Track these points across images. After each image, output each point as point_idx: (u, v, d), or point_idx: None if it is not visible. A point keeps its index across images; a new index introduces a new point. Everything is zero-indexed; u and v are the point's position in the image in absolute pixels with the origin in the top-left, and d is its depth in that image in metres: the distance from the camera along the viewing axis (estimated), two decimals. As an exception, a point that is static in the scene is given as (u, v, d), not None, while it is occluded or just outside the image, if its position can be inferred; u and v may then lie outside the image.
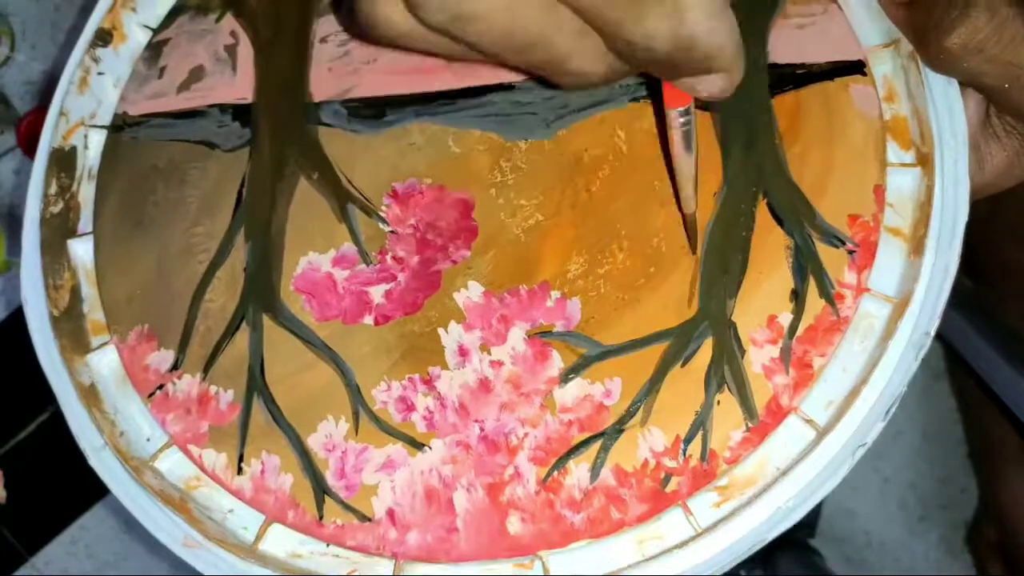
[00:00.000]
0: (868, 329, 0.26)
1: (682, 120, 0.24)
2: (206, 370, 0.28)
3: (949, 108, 0.27)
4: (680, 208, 0.27)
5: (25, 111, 0.57)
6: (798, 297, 0.26)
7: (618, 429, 0.26)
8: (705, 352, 0.26)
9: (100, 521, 0.59)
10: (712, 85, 0.21)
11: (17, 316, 0.59)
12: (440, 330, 0.27)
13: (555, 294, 0.27)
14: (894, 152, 0.28)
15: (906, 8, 0.27)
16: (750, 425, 0.25)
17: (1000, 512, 0.48)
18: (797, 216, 0.27)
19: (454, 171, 0.29)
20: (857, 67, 0.29)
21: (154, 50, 0.33)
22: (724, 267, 0.27)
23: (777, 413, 0.25)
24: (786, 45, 0.29)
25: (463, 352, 0.27)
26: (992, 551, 0.53)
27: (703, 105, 0.29)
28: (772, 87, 0.29)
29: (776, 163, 0.28)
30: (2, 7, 0.60)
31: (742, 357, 0.26)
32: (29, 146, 0.56)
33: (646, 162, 0.28)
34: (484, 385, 0.27)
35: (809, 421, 0.25)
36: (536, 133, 0.29)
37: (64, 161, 0.32)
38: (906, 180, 0.27)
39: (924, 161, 0.27)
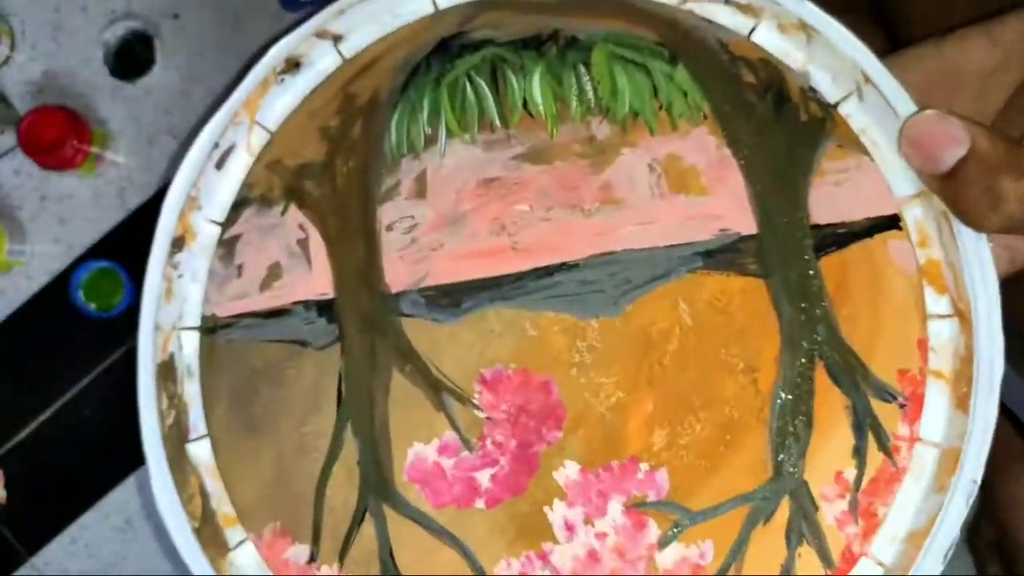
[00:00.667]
0: (920, 470, 0.30)
1: None
2: (342, 560, 0.32)
3: (980, 261, 0.30)
4: None
5: (25, 111, 0.59)
6: (859, 453, 0.30)
7: (716, 587, 0.30)
8: (783, 510, 0.30)
9: (100, 521, 0.61)
10: None
11: (17, 316, 0.61)
12: (546, 508, 0.31)
13: (644, 467, 0.31)
14: (931, 298, 0.32)
15: (941, 182, 0.29)
16: (828, 572, 0.30)
17: (999, 512, 0.52)
18: (853, 377, 0.31)
19: (535, 354, 0.33)
20: (893, 222, 0.31)
21: (227, 247, 0.35)
22: (792, 431, 0.31)
23: (851, 559, 0.30)
24: (825, 204, 0.32)
25: (569, 527, 0.31)
26: (991, 551, 0.58)
27: (756, 272, 0.32)
28: (817, 249, 0.31)
29: (829, 326, 0.31)
30: (2, 7, 0.62)
31: (816, 512, 0.30)
32: (29, 146, 0.57)
33: (710, 332, 0.32)
34: (593, 556, 0.31)
35: (879, 563, 0.30)
36: (606, 311, 0.32)
37: (167, 371, 0.35)
38: (944, 328, 0.31)
39: (962, 316, 0.30)
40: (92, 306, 0.59)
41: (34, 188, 0.61)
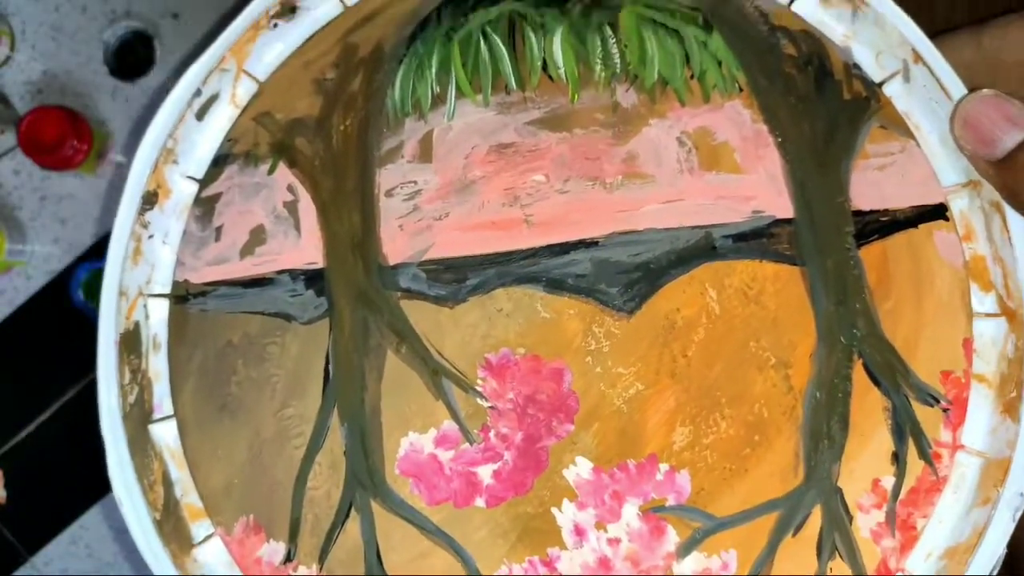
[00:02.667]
0: (960, 479, 0.28)
1: None
2: (322, 560, 0.29)
3: (1033, 257, 0.28)
4: None
5: (25, 111, 0.59)
6: (899, 460, 0.28)
7: (738, 601, 0.27)
8: (815, 519, 0.28)
9: (100, 521, 0.61)
10: None
11: (17, 316, 0.61)
12: (554, 509, 0.29)
13: (663, 467, 0.29)
14: (976, 297, 0.29)
15: (996, 168, 0.27)
16: (862, 590, 0.27)
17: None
18: (894, 376, 0.28)
19: (546, 338, 0.30)
20: (939, 211, 0.30)
21: (205, 207, 0.32)
22: (826, 432, 0.28)
23: (886, 575, 0.27)
24: (868, 190, 0.30)
25: (579, 531, 0.28)
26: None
27: (790, 259, 0.29)
28: (858, 237, 0.29)
29: (869, 321, 0.29)
30: (2, 7, 0.62)
31: (850, 523, 0.28)
32: (29, 146, 0.57)
33: (740, 322, 0.29)
34: (604, 564, 0.28)
35: (915, 581, 0.27)
36: (624, 305, 0.29)
37: (131, 342, 0.31)
38: (989, 328, 0.29)
39: (1011, 316, 0.28)
40: (92, 306, 0.59)
41: (34, 188, 0.62)
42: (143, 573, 0.28)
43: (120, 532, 0.61)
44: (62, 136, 0.56)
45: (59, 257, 0.61)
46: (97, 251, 0.62)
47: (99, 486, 0.60)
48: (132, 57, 0.60)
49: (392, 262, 0.31)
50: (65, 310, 0.60)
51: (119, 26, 0.60)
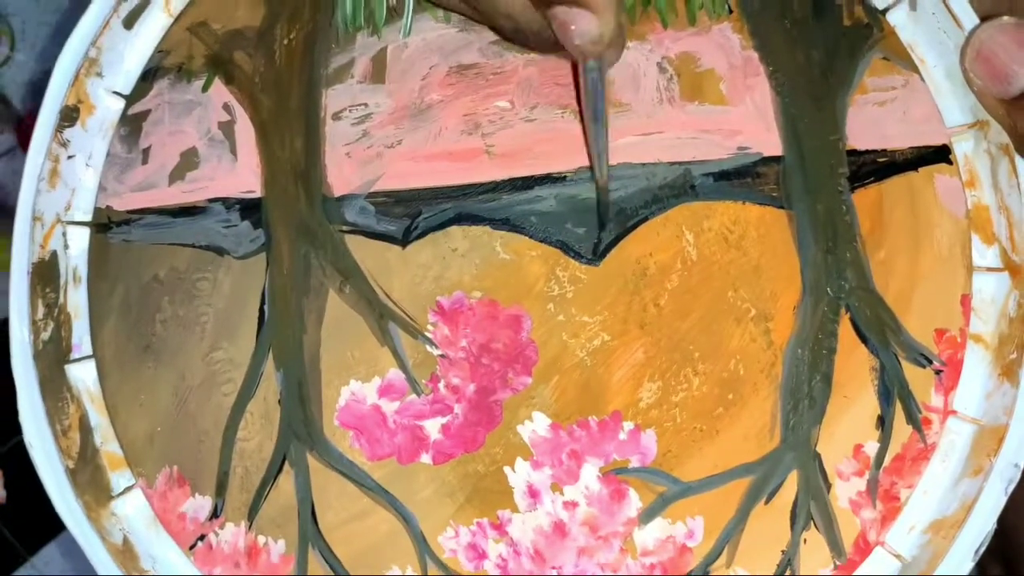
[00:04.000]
0: (949, 447, 0.26)
1: (591, 77, 0.24)
2: (251, 518, 0.27)
3: (1042, 208, 0.26)
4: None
5: (25, 111, 0.59)
6: (884, 424, 0.26)
7: (703, 572, 0.26)
8: (790, 486, 0.26)
9: None
10: (584, 24, 0.23)
11: None
12: (506, 469, 0.27)
13: (628, 425, 0.26)
14: (978, 250, 0.27)
15: (1009, 107, 0.25)
16: (838, 563, 0.25)
17: (1000, 513, 0.50)
18: (883, 333, 0.26)
19: (505, 282, 0.27)
20: (942, 154, 0.27)
21: (131, 125, 0.29)
22: (807, 393, 0.26)
23: (865, 549, 0.26)
24: (866, 127, 0.27)
25: (533, 493, 0.26)
26: (992, 552, 0.56)
27: (777, 202, 0.27)
28: (851, 180, 0.27)
29: (860, 272, 0.26)
30: (2, 7, 0.62)
31: (828, 491, 0.26)
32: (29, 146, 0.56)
33: (718, 268, 0.27)
34: (559, 528, 0.26)
35: (896, 555, 0.25)
36: (587, 247, 0.27)
37: (46, 273, 0.28)
38: (989, 284, 0.27)
39: (1015, 271, 0.26)
40: None
41: None
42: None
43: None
44: None
45: None
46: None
47: None
48: None
49: (338, 193, 0.28)
50: None
51: None
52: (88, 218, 0.29)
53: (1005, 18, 0.26)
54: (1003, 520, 0.26)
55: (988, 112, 0.27)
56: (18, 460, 0.58)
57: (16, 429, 0.28)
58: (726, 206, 0.27)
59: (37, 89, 0.61)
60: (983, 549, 0.25)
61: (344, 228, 0.28)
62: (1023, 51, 0.25)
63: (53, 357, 0.28)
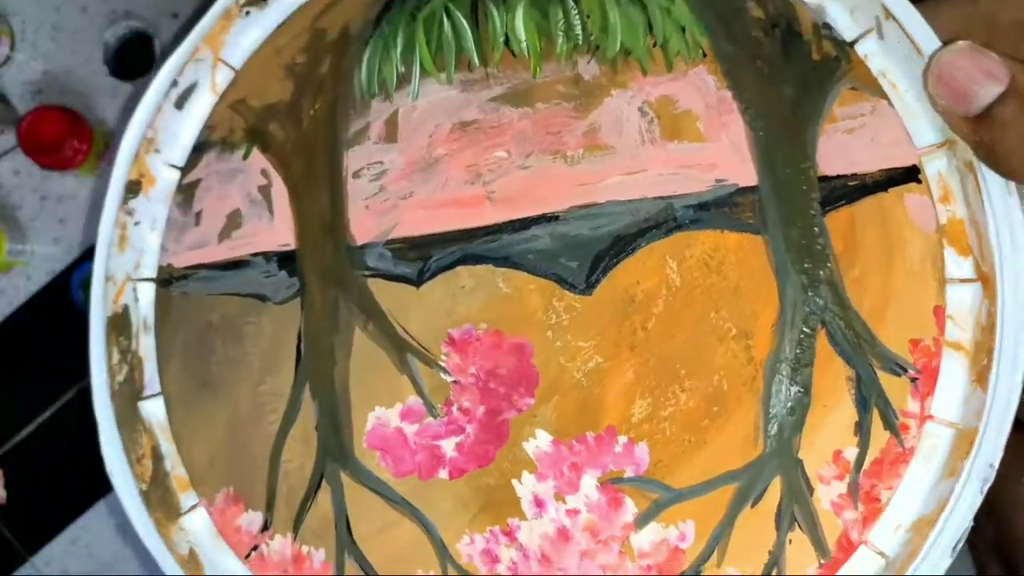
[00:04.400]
0: (931, 451, 0.28)
1: None
2: (295, 530, 0.30)
3: (1009, 219, 0.28)
4: None
5: (25, 111, 0.59)
6: (862, 430, 0.28)
7: (696, 572, 0.28)
8: (774, 491, 0.28)
9: (100, 521, 0.62)
10: None
11: (17, 316, 0.62)
12: (514, 481, 0.29)
13: (622, 439, 0.29)
14: (952, 260, 0.29)
15: (973, 125, 0.26)
16: (823, 562, 0.27)
17: (1000, 513, 0.50)
18: (859, 345, 0.28)
19: (508, 313, 0.30)
20: (912, 174, 0.29)
21: (186, 193, 0.34)
22: (787, 404, 0.28)
23: (848, 548, 0.27)
24: (835, 154, 0.29)
25: (539, 502, 0.29)
26: (992, 552, 0.55)
27: (754, 228, 0.29)
28: (824, 203, 0.29)
29: (834, 290, 0.28)
30: (2, 7, 0.62)
31: (811, 495, 0.27)
32: (29, 146, 0.58)
33: (700, 293, 0.29)
34: (563, 534, 0.29)
35: (880, 553, 0.27)
36: (578, 282, 0.30)
37: (120, 324, 0.33)
38: (966, 294, 0.28)
39: (985, 280, 0.28)
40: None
41: (34, 188, 0.62)
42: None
43: (120, 532, 0.61)
44: (62, 136, 0.57)
45: (59, 257, 0.61)
46: (98, 251, 0.63)
47: (99, 486, 0.60)
48: (132, 57, 0.60)
49: (359, 242, 0.32)
50: (65, 310, 0.60)
51: (119, 26, 0.60)
52: (153, 275, 0.34)
53: (960, 43, 0.27)
54: (1004, 520, 0.27)
55: (953, 131, 0.28)
56: (18, 460, 0.61)
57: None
58: (706, 235, 0.30)
59: (37, 89, 0.62)
60: (960, 545, 0.26)
61: (366, 272, 0.32)
62: (980, 72, 0.27)
63: (128, 396, 0.33)
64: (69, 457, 0.62)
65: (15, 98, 0.61)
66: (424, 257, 0.32)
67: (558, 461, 0.30)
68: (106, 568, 0.60)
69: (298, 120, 0.33)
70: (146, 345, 0.34)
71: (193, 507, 0.32)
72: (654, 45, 0.31)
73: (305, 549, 0.31)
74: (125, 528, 0.62)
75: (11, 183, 0.62)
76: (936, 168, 0.29)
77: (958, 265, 0.29)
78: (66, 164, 0.58)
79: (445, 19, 0.32)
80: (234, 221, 0.33)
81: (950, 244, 0.29)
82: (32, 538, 0.61)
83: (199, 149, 0.34)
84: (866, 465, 0.28)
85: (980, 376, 0.27)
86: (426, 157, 0.32)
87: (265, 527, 0.32)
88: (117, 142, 0.34)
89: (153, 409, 0.33)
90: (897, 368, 0.28)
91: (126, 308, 0.34)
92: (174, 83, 0.33)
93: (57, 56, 0.62)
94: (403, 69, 0.33)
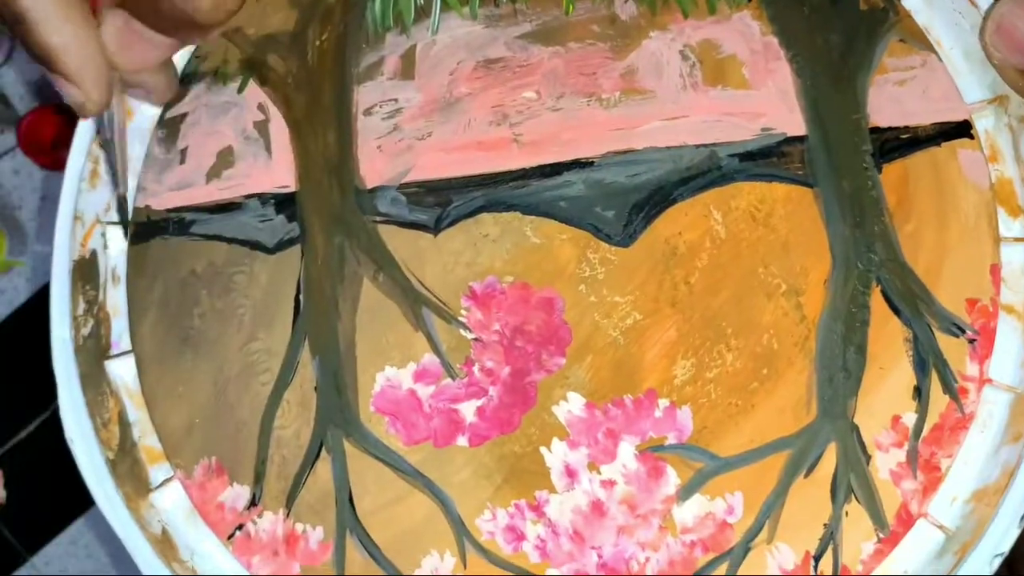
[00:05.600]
0: (988, 417, 0.26)
1: None
2: (289, 505, 0.27)
3: (1066, 176, 0.26)
4: None
5: (25, 111, 0.58)
6: (921, 394, 0.26)
7: (744, 548, 0.25)
8: (829, 459, 0.26)
9: (100, 521, 0.59)
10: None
11: (17, 316, 0.60)
12: (543, 449, 0.27)
13: (663, 403, 0.26)
14: (1004, 223, 0.27)
15: (1028, 75, 0.25)
16: (881, 536, 0.25)
17: None
18: (915, 304, 0.26)
19: (536, 265, 0.28)
20: (964, 129, 0.28)
21: (169, 127, 0.30)
22: (842, 365, 0.26)
23: (907, 521, 0.26)
24: (887, 106, 0.28)
25: (570, 472, 0.26)
26: None
27: (803, 180, 0.27)
28: (876, 156, 0.27)
29: (888, 245, 0.27)
30: None
31: (868, 463, 0.26)
32: (29, 146, 0.57)
33: (747, 246, 0.27)
34: (597, 508, 0.26)
35: (940, 527, 0.25)
36: (617, 231, 0.27)
37: (86, 271, 0.29)
38: (1018, 254, 0.27)
39: (1043, 240, 0.26)
40: None
41: (34, 188, 0.60)
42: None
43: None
44: (62, 136, 0.55)
45: None
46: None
47: None
48: None
49: (370, 185, 0.29)
50: None
51: None
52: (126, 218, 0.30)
53: None
54: None
55: (1008, 84, 0.27)
56: (18, 460, 0.59)
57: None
58: (752, 186, 0.28)
59: (37, 89, 0.61)
60: (1029, 516, 0.25)
61: (377, 218, 0.29)
62: None
63: (93, 353, 0.29)
64: (69, 457, 0.60)
65: (15, 98, 0.60)
66: (443, 203, 0.29)
67: (592, 427, 0.27)
68: (106, 568, 0.58)
69: (302, 52, 0.30)
70: (114, 297, 0.30)
71: (166, 481, 0.28)
72: (695, -13, 0.29)
73: (300, 527, 0.27)
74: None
75: (11, 183, 0.60)
76: (984, 126, 0.28)
77: (1008, 226, 0.28)
78: (66, 164, 0.56)
79: (469, -49, 0.30)
80: (225, 159, 0.30)
81: (1001, 204, 0.28)
82: (32, 538, 0.59)
83: (186, 80, 0.30)
84: (925, 432, 0.26)
85: (1041, 337, 0.26)
86: (446, 96, 0.29)
87: (253, 503, 0.28)
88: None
89: (120, 370, 0.29)
90: (955, 329, 0.26)
91: (94, 254, 0.30)
92: (161, 4, 0.30)
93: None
94: (422, 1, 0.30)
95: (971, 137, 0.28)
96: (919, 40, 0.29)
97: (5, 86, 0.61)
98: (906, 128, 0.28)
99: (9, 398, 0.61)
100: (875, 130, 0.28)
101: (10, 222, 0.60)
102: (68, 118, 0.57)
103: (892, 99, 0.28)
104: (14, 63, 0.61)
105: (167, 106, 0.31)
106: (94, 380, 0.28)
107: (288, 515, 0.27)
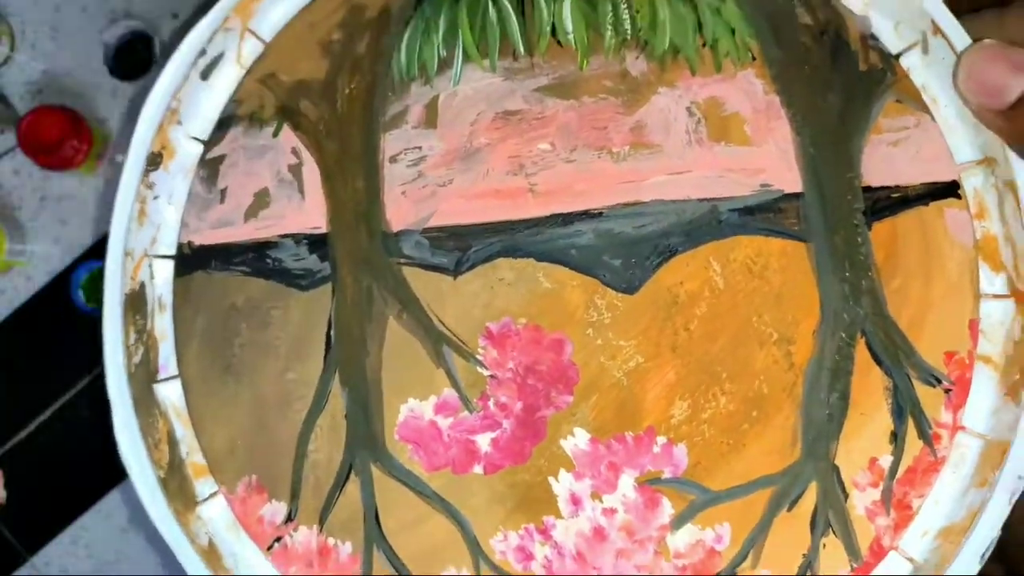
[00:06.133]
0: (960, 460, 0.28)
1: None
2: (322, 521, 0.30)
3: (1045, 238, 0.28)
4: None
5: (25, 111, 0.59)
6: (897, 439, 0.28)
7: (730, 574, 0.28)
8: (810, 496, 0.29)
9: (100, 521, 0.62)
10: None
11: (17, 316, 0.63)
12: (551, 479, 0.29)
13: (661, 440, 0.29)
14: (986, 277, 0.29)
15: (1005, 118, 0.27)
16: (855, 566, 0.28)
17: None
18: (897, 356, 0.29)
19: (548, 309, 0.30)
20: (952, 189, 0.29)
21: (210, 168, 0.32)
22: (826, 410, 0.28)
23: (880, 552, 0.28)
24: (880, 165, 0.30)
25: (575, 500, 0.29)
26: (992, 552, 0.57)
27: (797, 235, 0.29)
28: (867, 214, 0.29)
29: (875, 299, 0.29)
30: (2, 7, 0.63)
31: (845, 500, 0.28)
32: (29, 146, 0.58)
33: (743, 296, 0.29)
34: (599, 533, 0.29)
35: (909, 559, 0.28)
36: (624, 281, 0.30)
37: (136, 302, 0.32)
38: (998, 309, 0.29)
39: (1019, 297, 0.28)
40: (92, 306, 0.59)
41: (34, 188, 0.62)
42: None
43: (120, 532, 0.62)
44: (62, 136, 0.56)
45: (59, 257, 0.61)
46: (97, 251, 0.62)
47: (99, 486, 0.61)
48: (132, 57, 0.60)
49: (395, 228, 0.32)
50: (65, 310, 0.60)
51: (119, 26, 0.60)
52: (171, 252, 0.33)
53: (987, 41, 0.28)
54: (1006, 522, 0.28)
55: (987, 126, 0.29)
56: (18, 460, 0.62)
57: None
58: (750, 239, 0.30)
59: (37, 89, 0.62)
60: (988, 553, 0.27)
61: (401, 261, 0.31)
62: (1009, 66, 0.27)
63: (143, 378, 0.32)
64: (69, 457, 0.63)
65: (15, 98, 0.62)
66: (463, 247, 0.31)
67: (596, 460, 0.30)
68: (106, 568, 0.60)
69: (332, 99, 0.32)
70: (161, 325, 0.32)
71: (212, 495, 0.31)
72: (703, 45, 0.31)
73: (332, 541, 0.30)
74: (126, 527, 0.62)
75: (11, 183, 0.62)
76: (972, 184, 0.30)
77: (990, 281, 0.30)
78: (66, 164, 0.58)
79: (490, 4, 0.32)
80: (261, 200, 0.32)
81: (984, 260, 0.30)
82: (32, 538, 0.61)
83: (225, 124, 0.33)
84: (900, 473, 0.29)
85: (1012, 390, 0.28)
86: (467, 145, 0.31)
87: (289, 518, 0.31)
88: (128, 132, 0.32)
89: (168, 392, 0.32)
90: (933, 379, 0.29)
91: (142, 286, 0.32)
92: (202, 52, 0.32)
93: (57, 56, 0.62)
94: (444, 53, 0.32)
95: (958, 197, 0.30)
96: (914, 100, 0.30)
97: (5, 86, 0.62)
98: (897, 187, 0.30)
99: (9, 398, 0.63)
100: (868, 189, 0.30)
101: (10, 222, 0.62)
102: (68, 118, 0.59)
103: (885, 159, 0.30)
104: (14, 63, 0.62)
105: (207, 147, 0.33)
106: (145, 404, 0.31)
107: (321, 530, 0.31)
